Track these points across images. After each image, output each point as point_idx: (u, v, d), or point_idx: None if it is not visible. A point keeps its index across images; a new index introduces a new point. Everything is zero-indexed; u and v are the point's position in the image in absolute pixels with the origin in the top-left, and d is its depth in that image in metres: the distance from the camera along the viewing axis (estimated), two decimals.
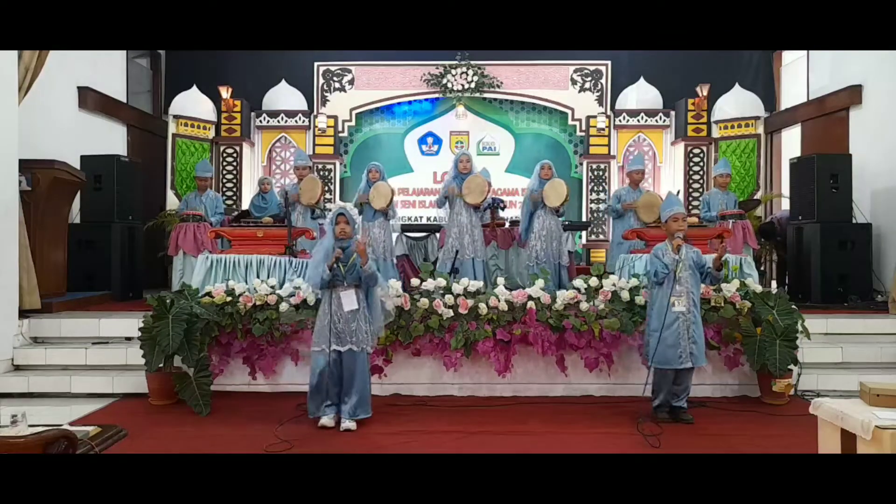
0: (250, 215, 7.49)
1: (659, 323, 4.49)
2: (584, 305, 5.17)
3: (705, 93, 9.41)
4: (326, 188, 9.69)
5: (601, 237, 9.73)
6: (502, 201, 8.52)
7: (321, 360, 4.38)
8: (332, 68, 10.00)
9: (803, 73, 9.19)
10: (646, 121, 9.78)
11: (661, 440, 4.14)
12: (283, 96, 9.88)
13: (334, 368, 4.37)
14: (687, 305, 4.47)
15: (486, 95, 9.96)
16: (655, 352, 4.49)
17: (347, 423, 4.37)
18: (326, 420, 4.40)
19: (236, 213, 8.10)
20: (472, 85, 9.79)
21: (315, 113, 9.88)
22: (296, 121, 9.83)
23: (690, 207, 9.02)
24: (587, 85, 9.96)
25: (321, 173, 9.77)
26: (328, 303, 4.41)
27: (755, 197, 9.17)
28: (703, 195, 7.08)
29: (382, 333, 4.83)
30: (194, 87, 9.43)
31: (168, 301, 4.99)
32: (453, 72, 9.76)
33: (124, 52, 9.03)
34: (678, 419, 4.54)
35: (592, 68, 9.94)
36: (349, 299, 4.37)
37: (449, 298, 5.17)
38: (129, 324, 5.69)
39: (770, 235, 8.46)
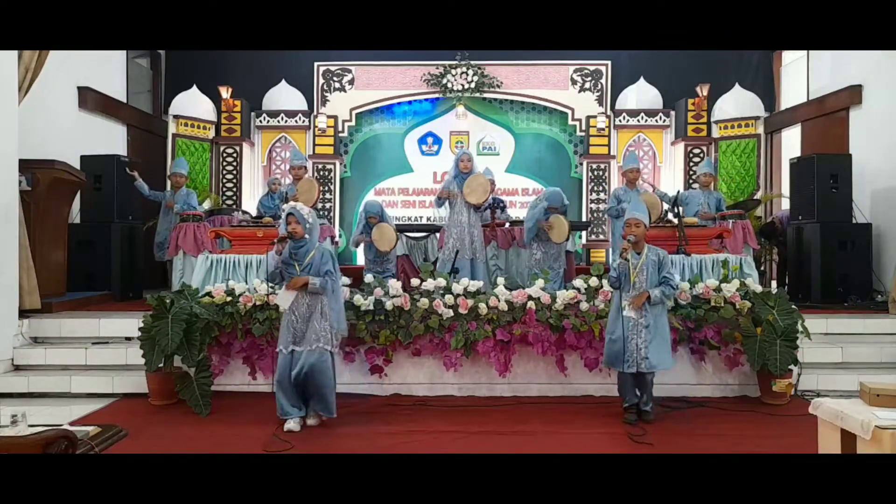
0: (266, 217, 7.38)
1: (612, 326, 4.55)
2: (584, 305, 5.18)
3: (705, 93, 9.42)
4: (325, 188, 9.69)
5: (601, 237, 9.73)
6: (502, 201, 8.51)
7: (282, 361, 4.38)
8: (332, 68, 10.00)
9: (803, 73, 9.19)
10: (646, 121, 9.79)
11: (661, 441, 4.14)
12: (283, 96, 9.88)
13: (292, 368, 4.34)
14: (637, 311, 4.44)
15: (486, 95, 9.96)
16: (605, 352, 4.61)
17: (310, 421, 4.44)
18: (292, 424, 4.35)
19: (253, 216, 7.97)
20: (472, 85, 9.79)
21: (315, 113, 9.88)
22: (296, 121, 9.84)
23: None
24: (587, 85, 9.96)
25: (321, 173, 9.78)
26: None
27: (755, 197, 9.17)
28: (680, 193, 6.95)
29: (346, 333, 4.77)
30: (194, 87, 9.43)
31: (168, 301, 4.99)
32: (453, 72, 9.76)
33: (124, 52, 9.02)
34: (644, 420, 4.56)
35: (592, 68, 9.94)
36: (283, 299, 4.38)
37: (449, 298, 5.17)
38: (129, 324, 5.69)
39: (771, 236, 8.46)
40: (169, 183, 7.84)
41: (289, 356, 4.37)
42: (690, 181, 9.48)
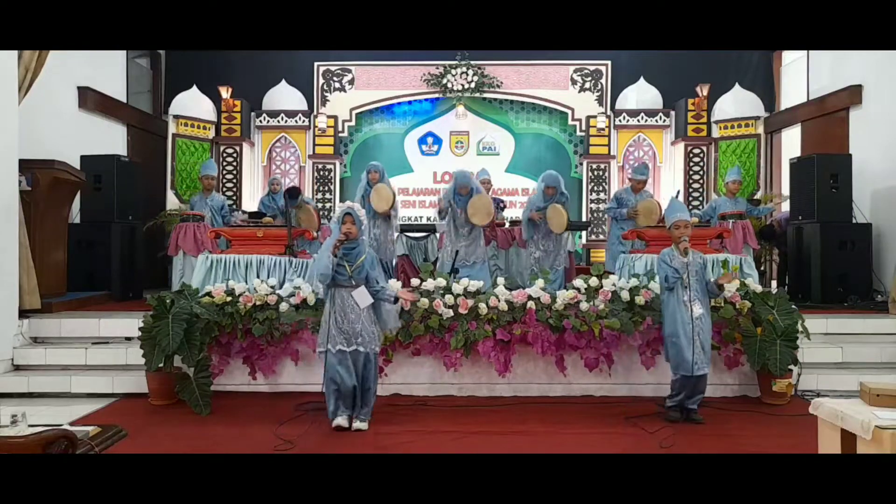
0: (265, 216, 7.41)
1: (673, 328, 4.51)
2: (584, 305, 5.17)
3: (705, 93, 9.42)
4: (325, 188, 9.70)
5: (601, 237, 9.73)
6: (502, 201, 8.53)
7: (332, 360, 4.34)
8: (332, 68, 10.00)
9: (803, 73, 9.18)
10: (646, 121, 9.79)
11: (661, 440, 4.14)
12: (283, 96, 9.88)
13: (342, 369, 4.33)
14: (702, 310, 4.49)
15: (486, 95, 9.96)
16: (672, 357, 4.55)
17: (358, 424, 4.38)
18: (341, 420, 4.36)
19: (250, 212, 8.01)
20: (472, 85, 9.79)
21: (315, 113, 9.88)
22: (296, 121, 9.84)
23: (690, 207, 9.01)
24: (587, 85, 9.97)
25: (321, 173, 9.78)
26: (331, 302, 4.39)
27: (755, 197, 9.17)
28: (712, 200, 7.02)
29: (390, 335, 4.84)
30: (194, 87, 9.43)
31: (168, 301, 4.99)
32: (453, 72, 9.76)
33: (124, 52, 9.02)
34: (689, 419, 4.56)
35: (592, 68, 9.95)
36: (362, 297, 4.34)
37: (449, 298, 5.17)
38: (129, 324, 5.69)
39: (770, 238, 8.45)
40: (202, 185, 7.86)
41: (338, 355, 4.33)
42: (691, 182, 9.50)
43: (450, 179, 8.07)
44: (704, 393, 4.63)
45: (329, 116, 9.79)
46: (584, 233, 9.67)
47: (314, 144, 9.81)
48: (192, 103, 9.39)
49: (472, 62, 9.74)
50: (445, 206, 6.42)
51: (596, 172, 9.86)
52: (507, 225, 7.54)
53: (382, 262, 6.43)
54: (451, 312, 5.13)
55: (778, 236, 8.27)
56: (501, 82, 9.90)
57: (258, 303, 5.17)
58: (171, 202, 9.03)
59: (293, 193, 7.17)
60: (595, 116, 9.80)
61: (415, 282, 5.41)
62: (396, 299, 4.58)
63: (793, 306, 5.14)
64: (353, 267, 4.34)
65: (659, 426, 4.42)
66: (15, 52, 5.58)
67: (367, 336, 4.37)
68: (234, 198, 9.62)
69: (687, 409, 4.59)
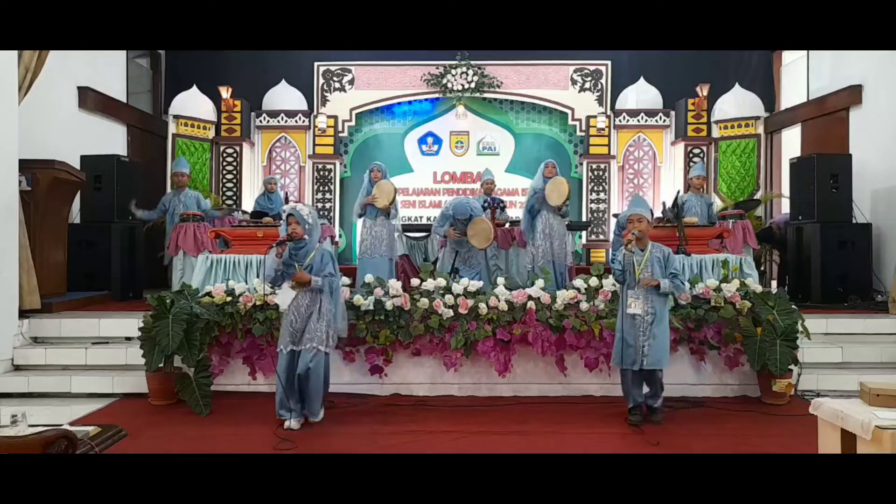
0: (265, 215, 7.40)
1: (619, 323, 4.53)
2: (584, 305, 5.17)
3: (705, 93, 9.42)
4: (325, 188, 9.70)
5: (601, 237, 9.73)
6: (502, 201, 8.51)
7: (281, 360, 4.41)
8: (332, 68, 10.00)
9: (803, 73, 9.18)
10: (646, 121, 9.79)
11: (661, 441, 4.14)
12: (283, 96, 9.88)
13: (289, 368, 4.37)
14: (644, 308, 4.41)
15: (486, 95, 9.95)
16: (614, 351, 4.56)
17: (312, 419, 4.46)
18: (293, 423, 4.38)
19: (251, 213, 8.00)
20: (472, 85, 9.78)
21: (315, 113, 9.88)
22: (296, 121, 9.84)
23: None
24: (587, 85, 9.96)
25: (321, 173, 9.78)
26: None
27: (755, 197, 9.17)
28: (680, 193, 6.97)
29: (345, 334, 4.80)
30: (194, 87, 9.43)
31: (168, 301, 4.99)
32: (453, 72, 9.76)
33: (124, 52, 9.02)
34: (650, 420, 4.51)
35: (592, 68, 9.94)
36: (284, 299, 4.40)
37: (449, 298, 5.17)
38: (129, 324, 5.69)
39: (769, 241, 8.44)
40: (170, 183, 7.82)
41: (288, 355, 4.40)
42: (688, 181, 9.49)
43: (450, 180, 8.12)
44: (661, 390, 4.56)
45: (329, 116, 9.79)
46: (584, 233, 9.66)
47: (314, 144, 9.81)
48: (192, 103, 9.39)
49: (472, 62, 9.74)
50: (446, 229, 6.27)
51: (596, 172, 9.86)
52: (508, 225, 7.54)
53: (385, 259, 6.46)
54: (451, 312, 5.13)
55: (777, 239, 8.26)
56: (501, 82, 9.89)
57: (258, 303, 5.17)
58: None
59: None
60: (595, 116, 9.79)
61: (415, 282, 5.41)
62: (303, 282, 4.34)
63: (793, 306, 5.13)
64: (303, 266, 4.36)
65: (656, 427, 4.42)
66: (15, 52, 5.58)
67: (316, 335, 4.35)
68: (234, 198, 9.62)
69: (651, 409, 4.56)
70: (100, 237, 7.24)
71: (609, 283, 5.25)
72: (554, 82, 9.97)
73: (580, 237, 9.68)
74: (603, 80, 9.93)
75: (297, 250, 4.38)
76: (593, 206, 9.84)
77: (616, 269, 4.53)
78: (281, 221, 4.62)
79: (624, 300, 4.51)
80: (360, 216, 7.02)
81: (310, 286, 4.31)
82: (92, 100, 8.06)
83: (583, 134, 9.94)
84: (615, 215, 7.57)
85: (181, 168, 7.79)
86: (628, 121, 9.80)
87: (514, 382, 5.25)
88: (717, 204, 8.80)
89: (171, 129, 9.21)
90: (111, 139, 8.53)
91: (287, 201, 6.84)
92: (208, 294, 5.25)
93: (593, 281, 5.29)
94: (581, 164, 9.98)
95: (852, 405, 2.85)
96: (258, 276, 5.75)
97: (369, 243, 6.79)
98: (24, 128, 5.86)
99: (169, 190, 8.06)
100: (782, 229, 8.05)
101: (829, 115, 8.32)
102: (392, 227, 6.87)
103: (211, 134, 9.55)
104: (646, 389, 4.57)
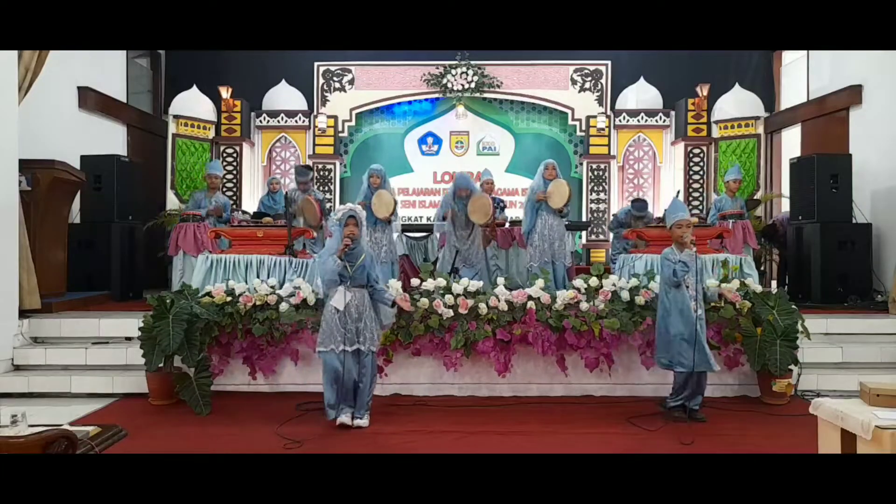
0: (266, 216, 7.41)
1: (685, 327, 4.48)
2: (584, 305, 5.17)
3: (705, 93, 9.42)
4: (325, 188, 9.69)
5: (601, 237, 9.73)
6: (502, 201, 8.52)
7: (332, 360, 4.38)
8: (332, 68, 10.00)
9: (803, 73, 9.18)
10: (646, 121, 9.79)
11: (661, 440, 4.14)
12: (283, 96, 9.88)
13: (344, 368, 4.38)
14: (702, 309, 4.53)
15: (486, 95, 9.96)
16: (674, 353, 4.53)
17: (359, 422, 4.43)
18: (345, 418, 4.40)
19: (251, 213, 8.02)
20: (472, 85, 9.79)
21: (315, 113, 9.88)
22: (296, 121, 9.84)
23: (690, 208, 9.01)
24: (587, 85, 9.96)
25: (321, 173, 9.78)
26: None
27: (755, 197, 9.17)
28: (715, 199, 7.06)
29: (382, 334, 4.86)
30: (194, 87, 9.43)
31: (168, 301, 4.99)
32: (453, 72, 9.76)
33: (124, 52, 9.02)
34: (693, 419, 4.55)
35: (592, 68, 9.94)
36: (339, 298, 4.38)
37: (449, 298, 5.17)
38: (129, 324, 5.69)
39: (772, 238, 8.44)
40: (206, 183, 7.82)
41: (340, 355, 4.37)
42: (691, 182, 9.49)
43: (450, 180, 8.10)
44: (705, 393, 4.63)
45: (329, 116, 9.79)
46: (584, 233, 9.66)
47: (314, 144, 9.81)
48: (192, 103, 9.39)
49: (472, 62, 9.74)
50: (446, 211, 6.49)
51: (596, 172, 9.86)
52: (507, 225, 7.54)
53: (386, 264, 6.47)
54: (451, 312, 5.13)
55: (780, 236, 8.27)
56: (501, 82, 9.89)
57: (258, 303, 5.17)
58: (171, 202, 9.02)
59: (302, 172, 7.17)
60: (595, 116, 9.80)
61: (415, 282, 5.41)
62: (394, 303, 4.60)
63: (793, 306, 5.14)
64: (353, 267, 4.36)
65: (659, 425, 4.43)
66: (15, 52, 5.58)
67: (367, 335, 4.41)
68: (234, 198, 9.61)
69: (690, 410, 4.59)
70: (100, 237, 7.24)
71: (609, 283, 5.24)
72: (554, 82, 9.97)
73: (580, 237, 9.68)
74: (603, 80, 9.93)
75: (351, 251, 4.36)
76: (593, 206, 9.84)
77: (680, 268, 4.48)
78: (331, 224, 4.63)
79: (674, 303, 4.52)
80: None
81: (406, 309, 4.51)
82: (92, 100, 8.06)
83: (583, 134, 9.95)
84: (615, 215, 7.58)
85: (215, 171, 7.83)
86: (628, 121, 9.80)
87: (514, 382, 5.25)
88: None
89: (171, 129, 9.21)
90: (111, 139, 8.54)
91: (286, 200, 6.80)
92: (208, 294, 5.25)
93: (593, 281, 5.29)
94: (581, 164, 9.99)
95: (852, 405, 2.85)
96: (258, 277, 5.75)
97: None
98: (24, 128, 5.86)
99: (198, 192, 8.06)
100: (786, 226, 8.05)
101: (829, 115, 8.32)
102: (392, 231, 6.86)
103: (211, 134, 9.55)
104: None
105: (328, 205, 9.70)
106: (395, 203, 6.61)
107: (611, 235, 8.92)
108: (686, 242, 4.53)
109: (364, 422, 4.43)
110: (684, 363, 4.48)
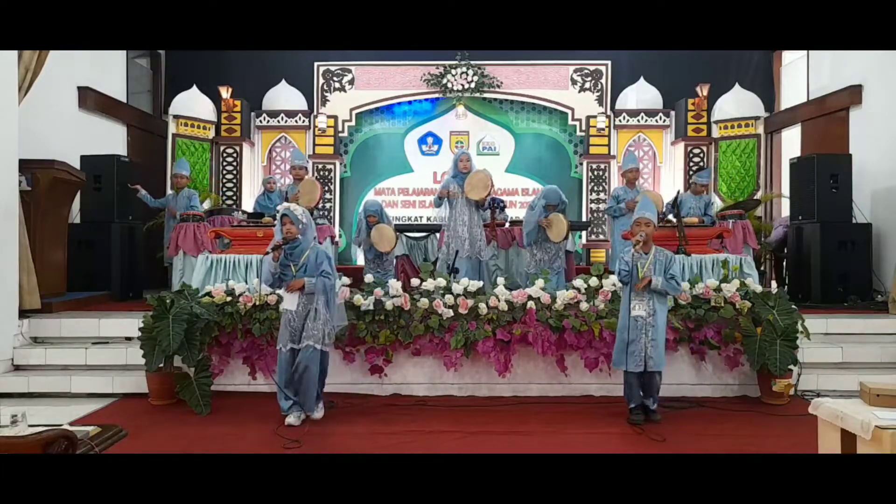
0: (262, 216, 7.39)
1: (621, 323, 4.54)
2: (584, 305, 5.17)
3: (705, 93, 9.42)
4: (325, 188, 9.69)
5: (601, 237, 9.73)
6: (502, 201, 8.50)
7: (281, 359, 4.48)
8: (332, 68, 10.00)
9: (803, 73, 9.18)
10: (646, 121, 9.79)
11: (662, 441, 4.13)
12: (283, 96, 9.88)
13: (289, 366, 4.45)
14: (647, 310, 4.45)
15: (486, 95, 9.96)
16: (614, 351, 4.57)
17: (315, 415, 4.54)
18: (292, 419, 4.45)
19: (250, 213, 8.00)
20: (472, 85, 9.79)
21: (315, 113, 9.88)
22: (296, 121, 9.84)
23: (690, 208, 8.97)
24: (587, 85, 9.97)
25: (321, 173, 9.79)
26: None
27: (755, 197, 9.16)
28: (680, 192, 7.00)
29: (345, 331, 4.92)
30: (194, 87, 9.43)
31: (168, 301, 4.99)
32: (453, 72, 9.76)
33: (124, 52, 9.02)
34: (649, 420, 4.54)
35: (592, 68, 9.95)
36: (290, 299, 4.44)
37: (449, 298, 5.17)
38: (129, 324, 5.69)
39: (781, 249, 8.39)
40: (170, 184, 7.82)
41: (287, 354, 4.46)
42: (690, 182, 9.48)
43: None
44: (658, 392, 4.58)
45: (329, 116, 9.79)
46: (583, 233, 9.66)
47: (314, 144, 9.81)
48: (192, 103, 9.39)
49: (472, 62, 9.74)
50: (446, 184, 6.48)
51: (596, 172, 9.86)
52: (507, 225, 7.53)
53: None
54: (451, 312, 5.13)
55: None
56: (501, 82, 9.89)
57: (258, 303, 5.17)
58: None
59: (300, 156, 7.02)
60: (595, 116, 9.80)
61: (415, 282, 5.41)
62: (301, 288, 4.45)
63: (793, 306, 5.14)
64: (297, 266, 4.41)
65: (657, 426, 4.43)
66: (15, 52, 5.58)
67: (307, 334, 4.41)
68: (234, 198, 9.63)
69: (648, 410, 4.57)
70: (100, 237, 7.24)
71: (609, 283, 5.24)
72: (554, 82, 9.97)
73: (580, 237, 9.68)
74: (603, 80, 9.93)
75: (292, 250, 4.43)
76: (593, 206, 9.84)
77: (622, 269, 4.52)
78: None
79: (627, 302, 4.52)
80: (359, 245, 6.95)
81: (304, 290, 4.39)
82: (92, 100, 8.06)
83: (583, 134, 9.94)
84: (615, 197, 7.52)
85: (179, 170, 7.78)
86: (628, 121, 9.80)
87: (514, 382, 5.25)
88: (717, 203, 8.81)
89: (171, 129, 9.21)
90: (111, 139, 8.54)
91: (286, 200, 6.80)
92: (208, 294, 5.25)
93: (593, 281, 5.29)
94: (581, 164, 9.99)
95: (852, 405, 2.85)
96: (258, 277, 5.75)
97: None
98: (24, 128, 5.86)
99: (169, 191, 8.06)
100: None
101: (829, 115, 8.32)
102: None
103: (211, 134, 9.55)
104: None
105: (328, 204, 9.74)
106: (397, 238, 6.59)
107: (611, 235, 8.89)
108: (633, 240, 4.52)
109: (314, 414, 4.52)
110: (615, 359, 4.58)
